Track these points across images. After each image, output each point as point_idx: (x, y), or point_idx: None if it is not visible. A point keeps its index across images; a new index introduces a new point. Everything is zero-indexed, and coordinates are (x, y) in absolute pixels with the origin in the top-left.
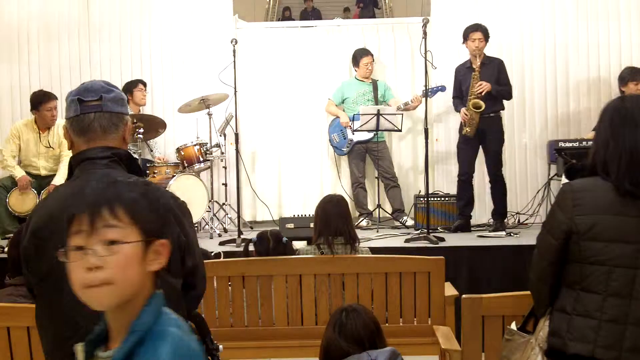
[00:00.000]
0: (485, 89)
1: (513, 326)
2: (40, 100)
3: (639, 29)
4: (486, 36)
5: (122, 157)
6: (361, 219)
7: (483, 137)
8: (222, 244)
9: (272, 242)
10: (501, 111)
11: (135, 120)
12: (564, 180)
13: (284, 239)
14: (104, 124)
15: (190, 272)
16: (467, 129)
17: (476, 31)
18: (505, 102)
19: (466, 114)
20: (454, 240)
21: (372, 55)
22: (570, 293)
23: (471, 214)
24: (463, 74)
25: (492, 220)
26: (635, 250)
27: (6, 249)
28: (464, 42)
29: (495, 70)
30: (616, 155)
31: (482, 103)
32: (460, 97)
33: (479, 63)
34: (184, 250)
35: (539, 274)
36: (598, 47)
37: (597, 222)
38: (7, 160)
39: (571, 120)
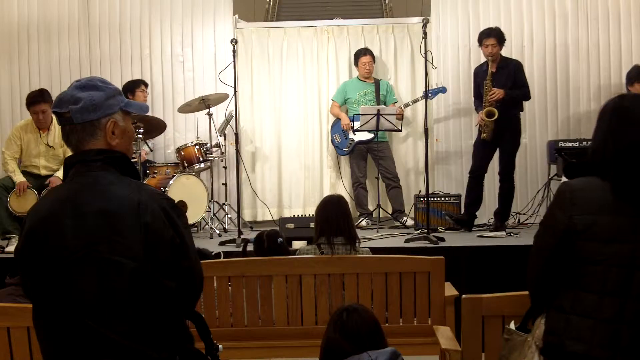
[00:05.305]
0: (497, 97)
1: (512, 325)
2: (29, 102)
3: (639, 29)
4: (500, 40)
5: (116, 159)
6: (361, 219)
7: (500, 138)
8: (222, 244)
9: (267, 242)
10: (520, 112)
11: (135, 121)
12: (564, 179)
13: (279, 239)
14: (78, 136)
15: (186, 274)
16: (484, 134)
17: (489, 37)
18: None
19: (482, 120)
20: (454, 240)
21: (371, 54)
22: (567, 292)
23: (476, 213)
24: (481, 76)
25: (492, 219)
26: (632, 249)
27: (6, 249)
28: (480, 46)
29: (511, 73)
30: (615, 155)
31: (495, 111)
32: (479, 98)
33: (494, 67)
34: (178, 253)
35: (536, 273)
36: (598, 48)
37: (595, 222)
38: (8, 164)
39: (571, 121)
